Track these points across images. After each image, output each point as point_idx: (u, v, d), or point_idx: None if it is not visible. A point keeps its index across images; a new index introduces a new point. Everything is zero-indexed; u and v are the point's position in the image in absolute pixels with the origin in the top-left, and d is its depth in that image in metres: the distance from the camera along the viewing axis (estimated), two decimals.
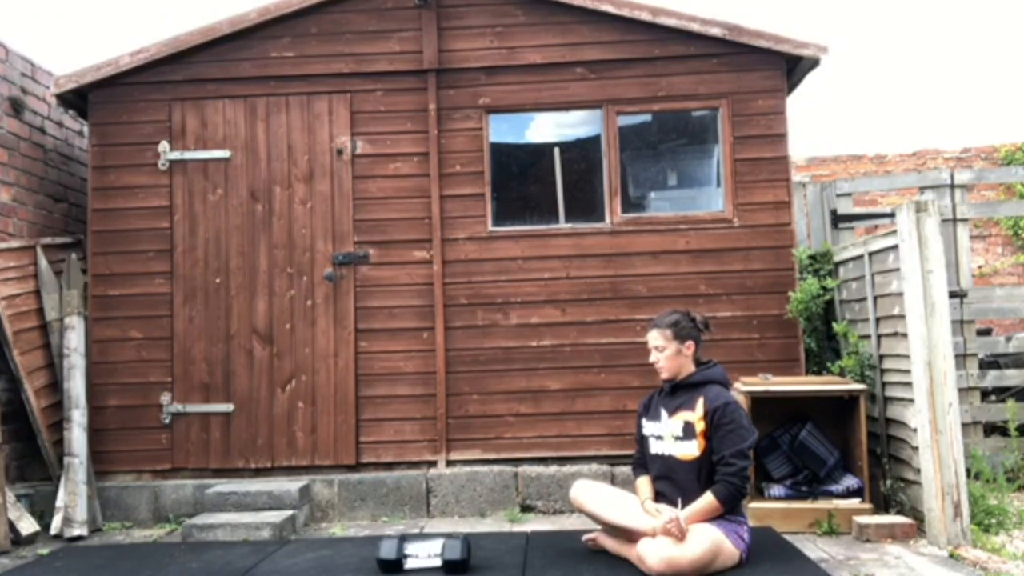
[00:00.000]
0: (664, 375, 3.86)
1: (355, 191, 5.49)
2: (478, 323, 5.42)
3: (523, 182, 5.82)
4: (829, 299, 5.38)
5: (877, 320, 4.83)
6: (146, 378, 5.43)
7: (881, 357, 4.79)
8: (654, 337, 3.86)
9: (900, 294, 4.42)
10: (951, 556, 3.91)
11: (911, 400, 4.30)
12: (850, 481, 4.59)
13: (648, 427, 3.90)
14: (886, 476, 4.64)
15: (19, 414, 5.24)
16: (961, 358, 5.36)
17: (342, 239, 5.48)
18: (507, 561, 3.88)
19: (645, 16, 5.44)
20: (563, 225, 5.53)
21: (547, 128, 5.73)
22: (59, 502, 4.95)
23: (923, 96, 19.80)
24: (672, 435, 3.76)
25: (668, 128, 5.73)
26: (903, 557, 3.91)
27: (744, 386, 4.69)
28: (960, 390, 5.05)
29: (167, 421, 5.39)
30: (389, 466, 5.37)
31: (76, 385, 5.21)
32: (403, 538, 3.83)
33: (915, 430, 4.26)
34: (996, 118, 18.15)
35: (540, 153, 5.75)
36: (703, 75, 5.49)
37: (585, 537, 4.02)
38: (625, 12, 5.44)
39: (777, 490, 4.64)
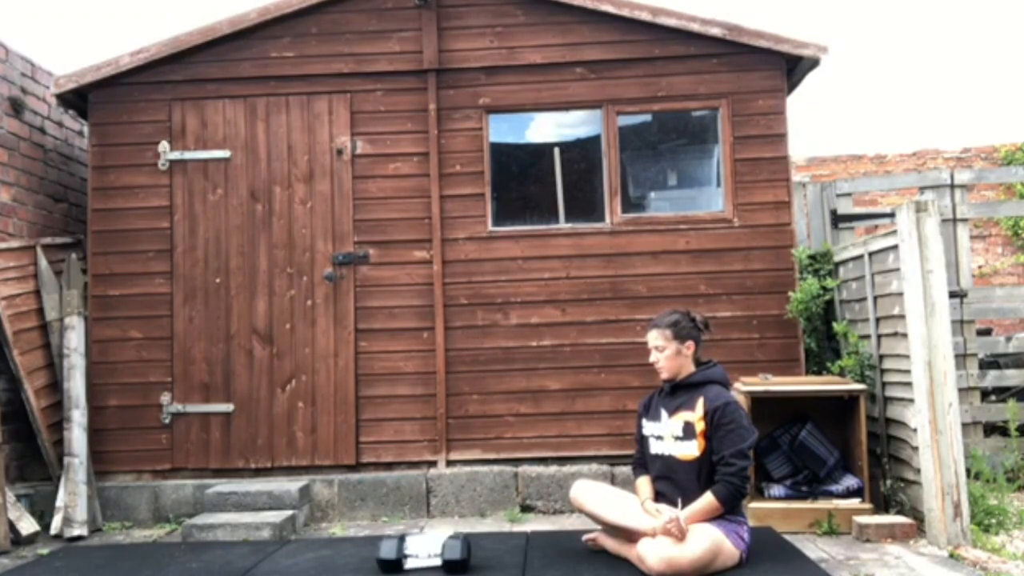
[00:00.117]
0: (664, 375, 3.86)
1: (355, 191, 5.49)
2: (478, 323, 5.42)
3: (523, 182, 5.82)
4: (829, 299, 5.38)
5: (877, 320, 4.83)
6: (146, 378, 5.43)
7: (881, 357, 4.79)
8: (654, 337, 3.86)
9: (900, 294, 4.42)
10: (951, 556, 3.91)
11: (911, 400, 4.30)
12: (850, 481, 4.59)
13: (648, 427, 3.90)
14: (886, 476, 4.64)
15: (19, 414, 5.24)
16: (961, 358, 5.36)
17: (342, 239, 5.48)
18: (507, 561, 3.88)
19: (645, 16, 5.44)
20: (563, 225, 5.53)
21: (547, 128, 5.73)
22: (59, 502, 4.95)
23: (923, 96, 19.81)
24: (672, 435, 3.76)
25: (668, 128, 5.73)
26: (903, 557, 3.91)
27: (744, 386, 4.69)
28: (960, 390, 5.05)
29: (167, 421, 5.40)
30: (389, 466, 5.37)
31: (76, 385, 5.21)
32: (403, 538, 3.83)
33: (915, 430, 4.26)
34: (996, 118, 18.16)
35: (540, 153, 5.75)
36: (703, 75, 5.49)
37: (585, 537, 4.02)
38: (625, 12, 5.44)
39: (777, 490, 4.64)
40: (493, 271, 5.45)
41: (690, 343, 3.83)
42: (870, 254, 4.86)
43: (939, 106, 19.13)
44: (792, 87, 5.65)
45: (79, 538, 4.87)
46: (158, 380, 5.42)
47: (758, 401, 4.65)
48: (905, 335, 4.35)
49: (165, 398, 5.41)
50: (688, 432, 3.71)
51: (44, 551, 4.58)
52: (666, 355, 3.83)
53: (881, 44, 21.61)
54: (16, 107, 5.64)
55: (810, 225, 6.34)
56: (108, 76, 5.51)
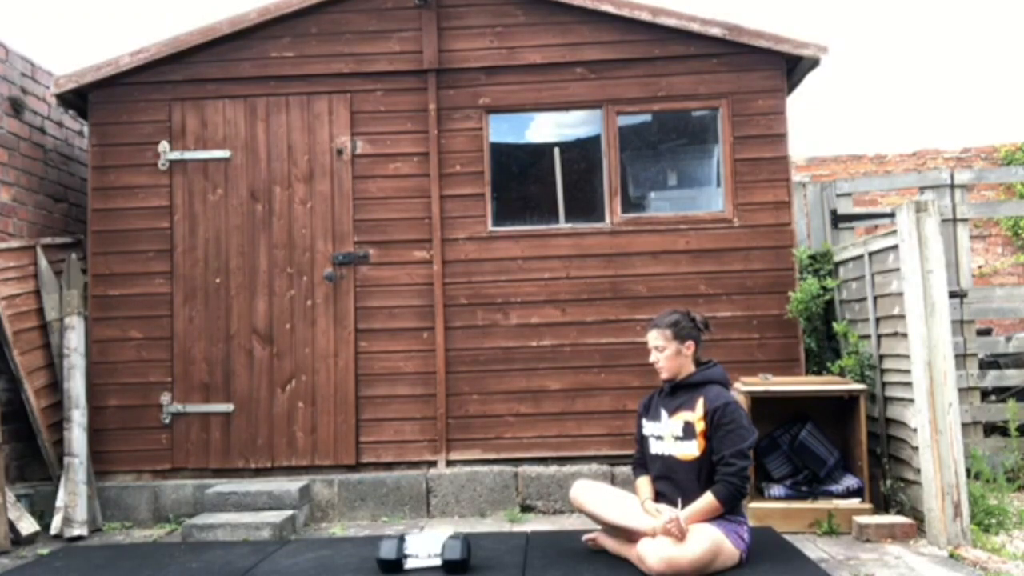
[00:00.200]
0: (664, 375, 3.86)
1: (355, 191, 5.49)
2: (478, 323, 5.42)
3: (523, 182, 5.82)
4: (829, 299, 5.38)
5: (877, 320, 4.83)
6: (146, 378, 5.43)
7: (881, 357, 4.79)
8: (654, 337, 3.86)
9: (900, 294, 4.42)
10: (951, 556, 3.91)
11: (911, 400, 4.30)
12: (850, 481, 4.59)
13: (648, 427, 3.90)
14: (886, 476, 4.64)
15: (19, 414, 5.24)
16: (961, 358, 5.36)
17: (342, 239, 5.48)
18: (507, 561, 3.88)
19: (645, 16, 5.44)
20: (563, 225, 5.53)
21: (547, 128, 5.73)
22: (59, 502, 4.95)
23: (923, 96, 19.82)
24: (672, 435, 3.76)
25: (668, 128, 5.73)
26: (903, 557, 3.91)
27: (744, 386, 4.69)
28: (960, 390, 5.05)
29: (167, 421, 5.40)
30: (389, 466, 5.37)
31: (76, 385, 5.21)
32: (403, 538, 3.83)
33: (915, 430, 4.26)
34: (996, 118, 18.17)
35: (540, 153, 5.75)
36: (703, 75, 5.49)
37: (585, 537, 4.02)
38: (625, 12, 5.44)
39: (777, 490, 4.64)
40: (493, 271, 5.45)
41: (690, 343, 3.83)
42: (870, 254, 4.86)
43: (939, 106, 19.15)
44: (792, 87, 5.65)
45: (79, 538, 4.87)
46: (158, 380, 5.43)
47: (758, 401, 4.65)
48: (905, 335, 4.35)
49: (165, 398, 5.41)
50: (688, 432, 3.71)
51: (44, 551, 4.58)
52: (666, 355, 3.82)
53: (881, 44, 21.62)
54: (16, 107, 5.64)
55: (810, 225, 6.34)
56: (108, 76, 5.51)
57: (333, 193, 5.50)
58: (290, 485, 5.08)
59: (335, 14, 5.56)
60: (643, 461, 3.94)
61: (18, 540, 4.72)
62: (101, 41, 19.10)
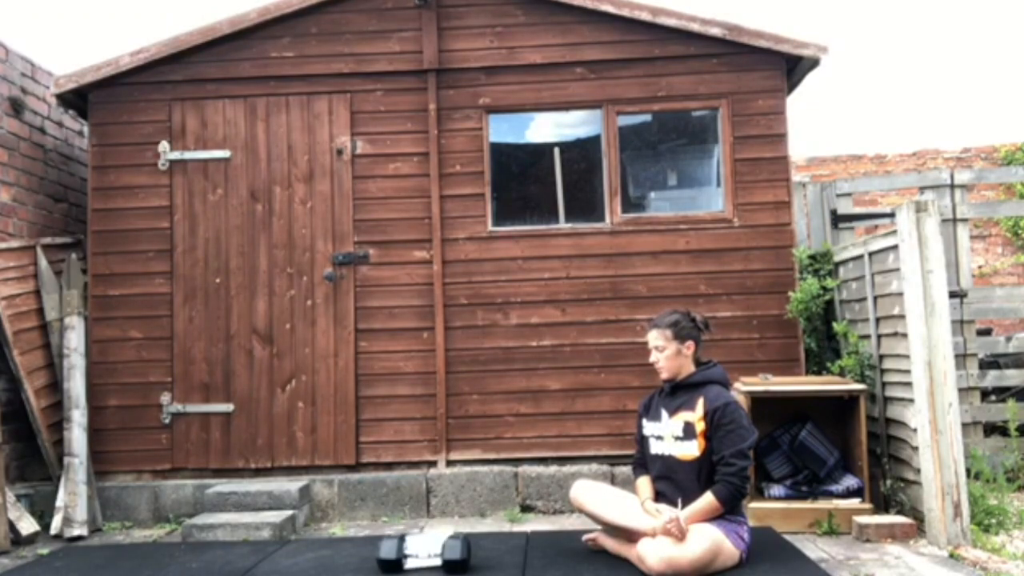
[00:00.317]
0: (664, 375, 3.86)
1: (355, 191, 5.49)
2: (478, 323, 5.42)
3: (523, 182, 5.82)
4: (829, 299, 5.38)
5: (877, 320, 4.83)
6: (146, 378, 5.43)
7: (881, 357, 4.79)
8: (654, 337, 3.86)
9: (900, 294, 4.42)
10: (951, 556, 3.91)
11: (911, 400, 4.30)
12: (850, 481, 4.59)
13: (648, 427, 3.90)
14: (886, 476, 4.64)
15: (19, 414, 5.24)
16: (961, 358, 5.36)
17: (342, 239, 5.48)
18: (507, 561, 3.88)
19: (645, 16, 5.44)
20: (563, 225, 5.53)
21: (547, 128, 5.73)
22: (59, 502, 4.95)
23: (923, 96, 19.82)
24: (672, 435, 3.76)
25: (668, 128, 5.73)
26: (903, 557, 3.91)
27: (744, 386, 4.69)
28: (960, 390, 5.05)
29: (167, 421, 5.40)
30: (389, 466, 5.37)
31: (76, 385, 5.21)
32: (403, 538, 3.83)
33: (915, 430, 4.26)
34: (996, 118, 18.17)
35: (540, 153, 5.75)
36: (703, 75, 5.49)
37: (585, 537, 4.02)
38: (625, 12, 5.44)
39: (777, 490, 4.64)
40: (493, 271, 5.45)
41: (690, 343, 3.83)
42: (870, 254, 4.86)
43: (939, 106, 19.15)
44: (792, 87, 5.65)
45: (79, 538, 4.87)
46: (158, 380, 5.42)
47: (758, 401, 4.65)
48: (905, 335, 4.35)
49: (165, 398, 5.41)
50: (688, 432, 3.71)
51: (44, 551, 4.58)
52: (666, 355, 3.82)
53: (881, 44, 21.62)
54: (16, 107, 5.64)
55: (810, 225, 6.34)
56: (108, 76, 5.51)
57: (333, 193, 5.50)
58: (290, 485, 5.08)
59: (335, 14, 5.56)
60: (643, 461, 3.94)
61: (18, 540, 4.72)
62: (101, 41, 19.11)
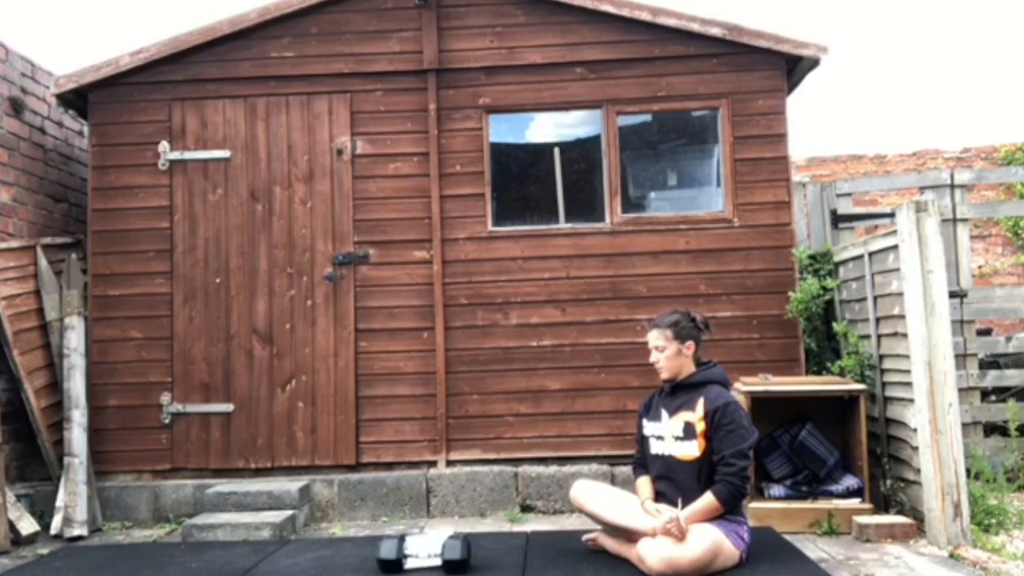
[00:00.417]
0: (664, 375, 3.86)
1: (355, 191, 5.49)
2: (478, 323, 5.42)
3: (523, 182, 5.82)
4: (829, 299, 5.38)
5: (877, 320, 4.83)
6: (146, 378, 5.43)
7: (881, 357, 4.79)
8: (654, 337, 3.86)
9: (900, 294, 4.42)
10: (951, 556, 3.91)
11: (911, 400, 4.30)
12: (850, 481, 4.59)
13: (648, 427, 3.90)
14: (886, 476, 4.64)
15: (19, 414, 5.24)
16: (961, 358, 5.36)
17: (342, 239, 5.48)
18: (507, 561, 3.88)
19: (645, 16, 5.44)
20: (563, 225, 5.53)
21: (547, 128, 5.73)
22: (59, 502, 4.95)
23: (923, 96, 19.82)
24: (672, 435, 3.76)
25: (668, 128, 5.73)
26: (903, 557, 3.91)
27: (744, 386, 4.69)
28: (960, 390, 5.05)
29: (167, 421, 5.39)
30: (389, 466, 5.37)
31: (76, 385, 5.21)
32: (403, 538, 3.83)
33: (915, 430, 4.26)
34: (996, 118, 18.17)
35: (540, 153, 5.75)
36: (703, 75, 5.49)
37: (585, 537, 4.02)
38: (625, 12, 5.44)
39: (777, 490, 4.64)
40: (493, 271, 5.45)
41: (690, 343, 3.83)
42: (870, 254, 4.86)
43: (939, 106, 19.15)
44: (792, 87, 5.65)
45: (79, 538, 4.87)
46: (158, 380, 5.42)
47: (758, 401, 4.65)
48: (905, 335, 4.35)
49: (165, 398, 5.41)
50: (688, 432, 3.71)
51: (44, 551, 4.58)
52: (666, 355, 3.82)
53: (881, 44, 21.62)
54: (16, 107, 5.64)
55: (810, 225, 6.34)
56: (108, 76, 5.51)
57: (333, 193, 5.50)
58: (290, 485, 5.08)
59: (335, 14, 5.56)
60: (643, 461, 3.94)
61: (18, 540, 4.72)
62: (101, 41, 19.11)
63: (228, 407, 5.40)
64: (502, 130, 5.61)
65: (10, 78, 5.62)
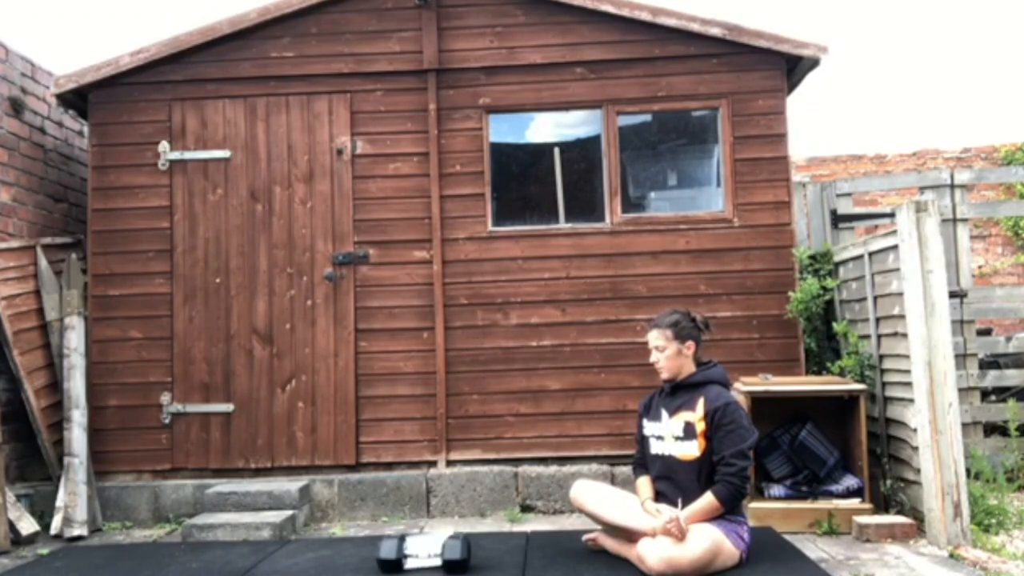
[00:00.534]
0: (664, 375, 3.86)
1: (355, 191, 5.49)
2: (478, 323, 5.42)
3: (523, 182, 5.82)
4: (829, 299, 5.38)
5: (877, 320, 4.83)
6: (146, 378, 5.43)
7: (881, 357, 4.79)
8: (654, 337, 3.86)
9: (900, 294, 4.42)
10: (951, 556, 3.91)
11: (911, 400, 4.30)
12: (850, 481, 4.59)
13: (649, 427, 3.90)
14: (886, 476, 4.64)
15: (19, 414, 5.24)
16: (961, 358, 5.36)
17: (342, 239, 5.48)
18: (507, 561, 3.88)
19: (645, 16, 5.44)
20: (563, 225, 5.53)
21: (547, 128, 5.73)
22: (59, 502, 4.95)
23: (923, 96, 19.82)
24: (672, 435, 3.76)
25: (668, 128, 5.73)
26: (903, 557, 3.91)
27: (744, 386, 4.69)
28: (960, 390, 5.05)
29: (167, 421, 5.39)
30: (389, 466, 5.37)
31: (76, 385, 5.21)
32: (403, 538, 3.83)
33: (915, 430, 4.26)
34: (996, 118, 18.17)
35: (540, 153, 5.75)
36: (703, 75, 5.49)
37: (585, 537, 4.02)
38: (625, 12, 5.44)
39: (777, 490, 4.64)
40: (493, 271, 5.45)
41: (690, 343, 3.83)
42: (870, 254, 4.86)
43: (939, 106, 19.15)
44: (792, 87, 5.65)
45: (79, 538, 4.87)
46: (158, 380, 5.42)
47: (758, 401, 4.65)
48: (905, 335, 4.35)
49: (165, 398, 5.41)
50: (688, 432, 3.71)
51: (44, 551, 4.58)
52: (667, 355, 3.82)
53: (881, 44, 21.62)
54: (16, 107, 5.64)
55: (810, 225, 6.34)
56: (108, 76, 5.51)
57: (333, 193, 5.50)
58: (290, 485, 5.08)
59: (335, 14, 5.56)
60: (643, 461, 3.94)
61: (18, 540, 4.72)
62: (101, 41, 19.11)
63: (228, 407, 5.40)
64: (502, 130, 5.61)
65: (10, 78, 5.62)
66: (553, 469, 5.23)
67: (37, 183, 5.84)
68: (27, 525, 4.78)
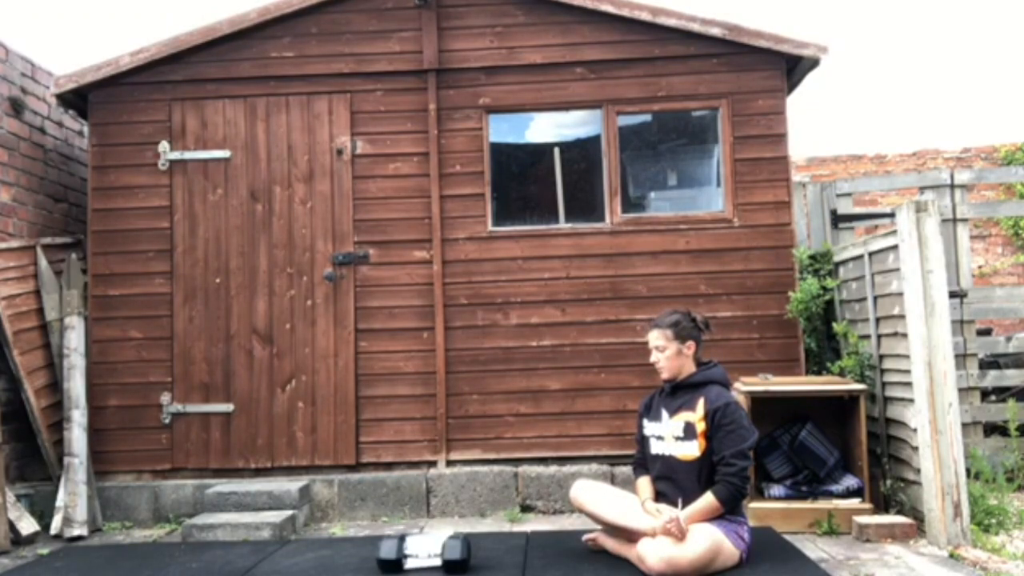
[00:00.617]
0: (665, 375, 3.86)
1: (355, 191, 5.49)
2: (478, 323, 5.42)
3: (523, 182, 5.82)
4: (829, 299, 5.38)
5: (877, 320, 4.83)
6: (146, 378, 5.43)
7: (881, 357, 4.79)
8: (655, 337, 3.86)
9: (900, 294, 4.42)
10: (951, 556, 3.91)
11: (911, 400, 4.30)
12: (850, 481, 4.59)
13: (649, 427, 3.90)
14: (886, 476, 4.64)
15: (19, 414, 5.24)
16: (961, 358, 5.36)
17: (342, 239, 5.48)
18: (507, 561, 3.88)
19: (645, 16, 5.44)
20: (563, 225, 5.53)
21: (547, 128, 5.73)
22: (59, 502, 4.95)
23: (923, 96, 19.81)
24: (673, 435, 3.76)
25: (668, 128, 5.73)
26: (903, 557, 3.91)
27: (744, 386, 4.69)
28: (960, 390, 5.05)
29: (167, 421, 5.39)
30: (389, 466, 5.37)
31: (76, 385, 5.21)
32: (403, 538, 3.83)
33: (915, 430, 4.26)
34: (996, 118, 18.16)
35: (540, 153, 5.75)
36: (703, 75, 5.49)
37: (585, 537, 4.02)
38: (625, 12, 5.44)
39: (777, 490, 4.64)
40: (493, 271, 5.45)
41: (691, 343, 3.83)
42: (870, 254, 4.86)
43: (939, 106, 19.14)
44: (792, 87, 5.65)
45: (79, 538, 4.87)
46: (158, 380, 5.42)
47: (758, 401, 4.65)
48: (905, 335, 4.35)
49: (165, 398, 5.41)
50: (689, 432, 3.71)
51: (44, 551, 4.58)
52: (667, 355, 3.82)
53: (881, 44, 21.62)
54: (16, 107, 5.64)
55: (810, 225, 6.34)
56: (108, 76, 5.51)
57: (333, 193, 5.50)
58: (290, 485, 5.08)
59: (335, 14, 5.56)
60: (643, 461, 3.94)
61: (18, 540, 4.72)
62: (101, 41, 19.10)
63: (228, 407, 5.40)
64: (502, 130, 5.61)
65: (10, 78, 5.62)
66: (553, 469, 5.23)
67: (37, 183, 5.84)
68: (27, 525, 4.78)
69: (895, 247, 4.46)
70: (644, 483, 3.88)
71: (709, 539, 3.49)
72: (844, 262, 5.32)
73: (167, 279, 5.48)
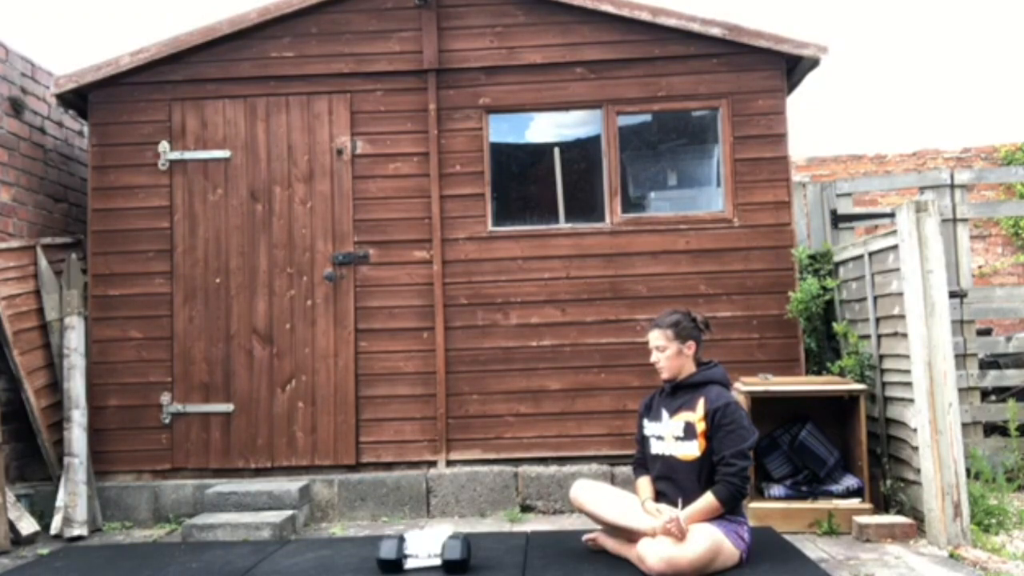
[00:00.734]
0: (665, 375, 3.86)
1: (355, 191, 5.49)
2: (478, 323, 5.42)
3: (523, 182, 5.82)
4: (829, 299, 5.38)
5: (877, 320, 4.83)
6: (146, 378, 5.43)
7: (881, 357, 4.79)
8: (655, 337, 3.86)
9: (900, 294, 4.42)
10: (951, 556, 3.91)
11: (911, 400, 4.30)
12: (850, 481, 4.59)
13: (649, 427, 3.90)
14: (886, 476, 4.64)
15: (19, 414, 5.24)
16: (961, 358, 5.36)
17: (342, 239, 5.48)
18: (507, 561, 3.88)
19: (645, 16, 5.44)
20: (563, 225, 5.53)
21: (547, 128, 5.73)
22: (59, 502, 4.95)
23: (923, 96, 19.81)
24: (673, 435, 3.76)
25: (668, 128, 5.73)
26: (903, 557, 3.91)
27: (744, 386, 4.69)
28: (960, 390, 5.05)
29: (167, 421, 5.39)
30: (389, 466, 5.37)
31: (76, 385, 5.21)
32: (403, 538, 3.83)
33: (915, 430, 4.26)
34: (996, 118, 18.16)
35: (540, 153, 5.75)
36: (703, 75, 5.49)
37: (585, 537, 4.02)
38: (625, 12, 5.44)
39: (777, 490, 4.64)
40: (493, 271, 5.45)
41: (691, 343, 3.83)
42: (870, 254, 4.86)
43: (939, 106, 19.14)
44: (792, 87, 5.65)
45: (79, 538, 4.87)
46: (158, 380, 5.42)
47: (758, 401, 4.65)
48: (905, 335, 4.35)
49: (165, 398, 5.41)
50: (689, 432, 3.71)
51: (44, 551, 4.58)
52: (667, 355, 3.82)
53: (881, 44, 21.62)
54: (16, 107, 5.64)
55: (810, 225, 6.34)
56: (108, 76, 5.51)
57: (333, 193, 5.50)
58: (290, 485, 5.08)
59: (335, 14, 5.56)
60: (643, 461, 3.94)
61: (18, 540, 4.72)
62: (101, 41, 19.10)
63: (228, 407, 5.40)
64: (502, 130, 5.61)
65: (10, 78, 5.62)
66: (553, 469, 5.23)
67: (37, 183, 5.84)
68: (27, 525, 4.78)
69: (895, 247, 4.46)
70: (644, 483, 3.88)
71: (709, 539, 3.49)
72: (844, 262, 5.32)
73: (167, 279, 5.48)
